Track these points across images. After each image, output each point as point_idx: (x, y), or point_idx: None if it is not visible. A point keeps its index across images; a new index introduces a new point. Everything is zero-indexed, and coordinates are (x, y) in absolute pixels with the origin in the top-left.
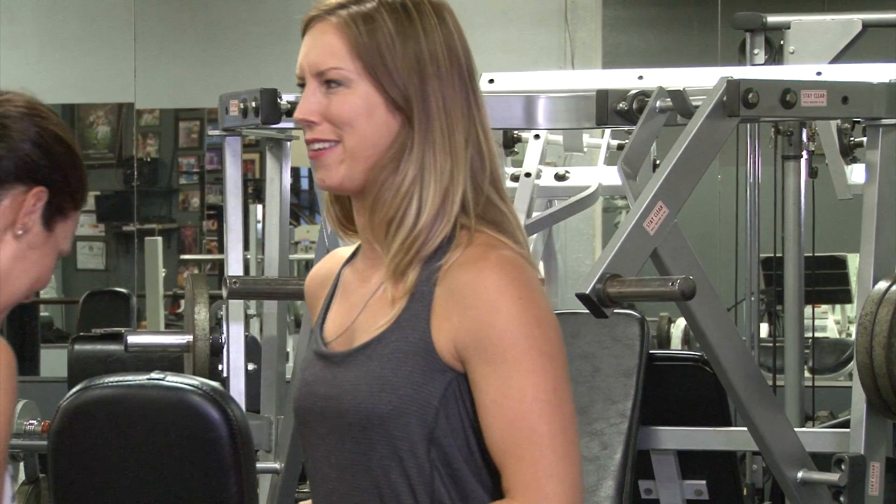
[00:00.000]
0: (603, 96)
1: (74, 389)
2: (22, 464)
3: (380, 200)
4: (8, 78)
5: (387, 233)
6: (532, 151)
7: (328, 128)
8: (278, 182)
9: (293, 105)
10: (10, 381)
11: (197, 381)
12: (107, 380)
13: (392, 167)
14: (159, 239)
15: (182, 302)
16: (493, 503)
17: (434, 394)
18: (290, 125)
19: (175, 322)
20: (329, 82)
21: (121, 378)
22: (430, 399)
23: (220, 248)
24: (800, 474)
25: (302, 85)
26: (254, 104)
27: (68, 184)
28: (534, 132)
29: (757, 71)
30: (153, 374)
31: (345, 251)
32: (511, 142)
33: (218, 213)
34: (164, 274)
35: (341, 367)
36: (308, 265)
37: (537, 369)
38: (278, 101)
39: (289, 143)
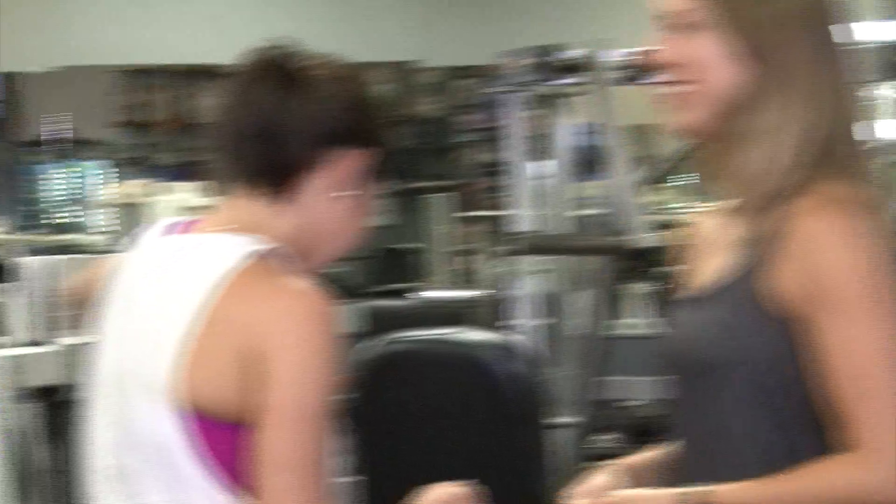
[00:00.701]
0: None
1: (371, 344)
2: None
3: (736, 145)
4: (288, 35)
5: (742, 178)
6: None
7: (684, 70)
8: (559, 138)
9: (573, 61)
10: (331, 332)
11: (489, 335)
12: (401, 335)
13: (748, 113)
14: (442, 196)
15: (468, 258)
16: (837, 456)
17: (770, 342)
18: (571, 81)
19: (460, 278)
20: (685, 26)
21: (416, 333)
22: (766, 347)
23: (503, 205)
24: None
25: (656, 29)
26: (534, 61)
27: (381, 148)
28: None
29: None
30: (447, 330)
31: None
32: None
33: (499, 170)
34: (449, 230)
35: (691, 312)
36: (590, 222)
37: (879, 320)
38: (559, 57)
39: (571, 98)
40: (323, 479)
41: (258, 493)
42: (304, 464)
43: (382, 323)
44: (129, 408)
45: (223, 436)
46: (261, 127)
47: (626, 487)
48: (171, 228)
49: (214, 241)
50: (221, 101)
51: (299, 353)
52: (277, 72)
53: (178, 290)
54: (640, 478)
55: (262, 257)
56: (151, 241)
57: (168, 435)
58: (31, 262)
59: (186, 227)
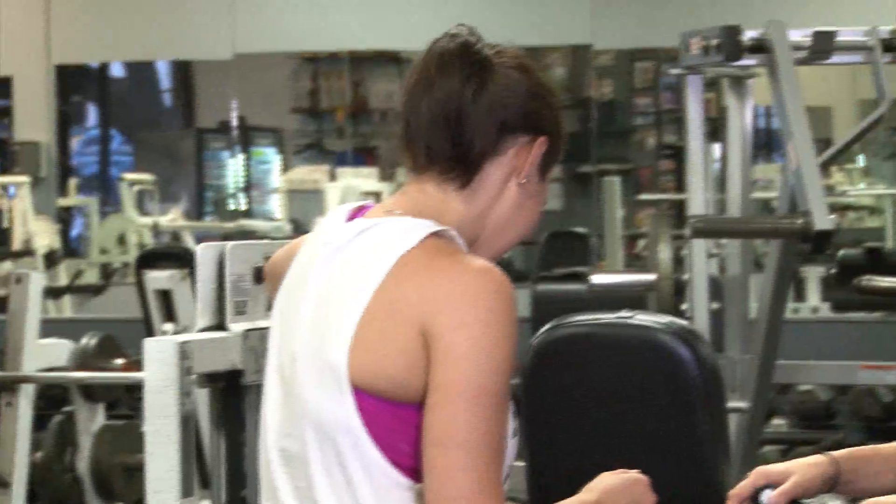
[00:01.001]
0: None
1: (544, 328)
2: None
3: None
4: (458, 20)
5: None
6: None
7: None
8: (740, 120)
9: (755, 41)
10: (510, 313)
11: (666, 319)
12: (576, 319)
13: None
14: (617, 179)
15: (640, 242)
16: None
17: None
18: (753, 62)
19: (633, 262)
20: None
21: (590, 317)
22: None
23: (678, 188)
24: None
25: None
26: (715, 42)
27: (560, 135)
28: None
29: None
30: (622, 313)
31: None
32: None
33: (674, 152)
34: (621, 214)
35: None
36: (767, 205)
37: None
38: (740, 37)
39: (750, 80)
40: (495, 460)
41: (424, 473)
42: (471, 442)
43: (555, 307)
44: (299, 391)
45: (393, 417)
46: (447, 114)
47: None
48: (351, 213)
49: (391, 225)
50: (405, 88)
51: (469, 331)
52: (462, 60)
53: (354, 273)
54: (856, 472)
55: (436, 238)
56: (330, 226)
57: (338, 417)
58: (204, 248)
59: (365, 212)
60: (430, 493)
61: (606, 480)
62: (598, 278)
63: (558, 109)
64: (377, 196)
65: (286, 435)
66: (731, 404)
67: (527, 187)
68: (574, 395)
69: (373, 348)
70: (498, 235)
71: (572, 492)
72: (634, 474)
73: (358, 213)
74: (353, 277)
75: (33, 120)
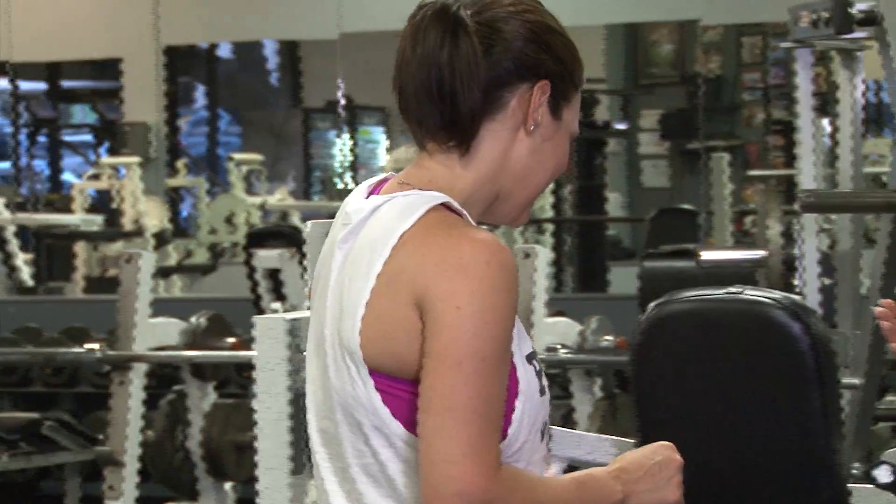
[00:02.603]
0: None
1: (654, 304)
2: (597, 379)
3: None
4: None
5: None
6: None
7: None
8: (850, 94)
9: (866, 14)
10: (502, 282)
11: (777, 294)
12: (686, 294)
13: None
14: (725, 155)
15: (748, 218)
16: None
17: None
18: (863, 35)
19: (741, 238)
20: None
21: (700, 292)
22: None
23: (786, 164)
24: None
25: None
26: (825, 14)
27: (568, 70)
28: None
29: None
30: (732, 288)
31: None
32: None
33: (783, 127)
34: (730, 190)
35: None
36: (877, 179)
37: None
38: (851, 10)
39: (861, 53)
40: (484, 424)
41: (417, 439)
42: (457, 407)
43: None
44: (327, 370)
45: (410, 394)
46: (428, 84)
47: None
48: (371, 188)
49: (398, 202)
50: (395, 61)
51: (457, 300)
52: (435, 25)
53: (363, 254)
54: None
55: (438, 212)
56: (351, 204)
57: (360, 398)
58: (313, 227)
59: (384, 186)
60: (421, 458)
61: (630, 454)
62: (707, 254)
63: (561, 46)
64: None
65: (324, 417)
66: (843, 380)
67: (540, 132)
68: (684, 370)
69: (379, 328)
70: (521, 186)
71: (685, 461)
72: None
73: (378, 187)
74: (362, 259)
75: (142, 101)
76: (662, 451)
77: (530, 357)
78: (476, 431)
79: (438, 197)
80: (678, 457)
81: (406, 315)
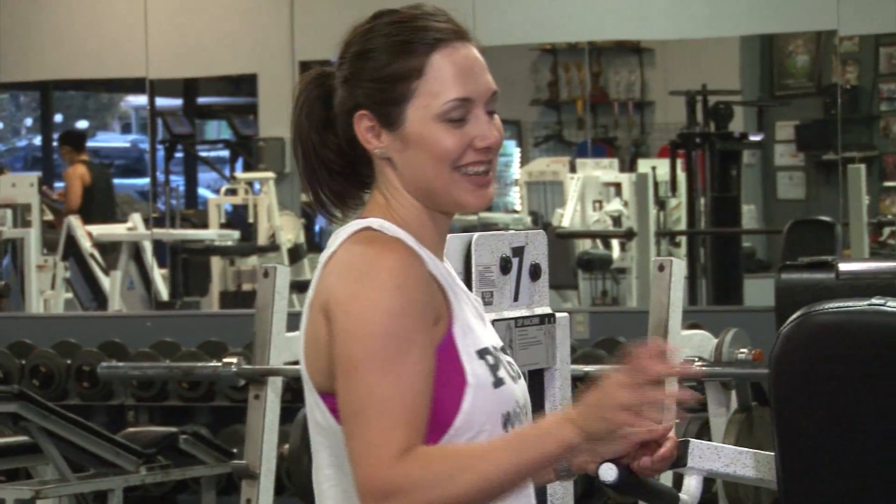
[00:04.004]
0: None
1: (794, 316)
2: (734, 392)
3: None
4: (703, 9)
5: None
6: None
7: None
8: None
9: None
10: (384, 279)
11: None
12: (827, 306)
13: None
14: (862, 166)
15: (886, 230)
16: None
17: None
18: None
19: (879, 250)
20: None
21: (841, 304)
22: None
23: None
24: None
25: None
26: None
27: (386, 81)
28: None
29: None
30: (874, 300)
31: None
32: None
33: None
34: (867, 202)
35: None
36: None
37: None
38: None
39: None
40: (386, 423)
41: None
42: (356, 411)
43: (800, 296)
44: None
45: None
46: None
47: None
48: None
49: (338, 231)
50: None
51: (345, 306)
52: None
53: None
54: None
55: (360, 233)
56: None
57: (319, 421)
58: (450, 240)
59: None
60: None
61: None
62: (845, 266)
63: (374, 67)
64: (618, 188)
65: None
66: None
67: (393, 148)
68: (824, 383)
69: (313, 351)
70: (426, 184)
71: (822, 477)
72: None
73: None
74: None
75: (278, 116)
76: (613, 378)
77: (482, 352)
78: (377, 429)
79: (364, 222)
80: (623, 376)
81: (323, 335)
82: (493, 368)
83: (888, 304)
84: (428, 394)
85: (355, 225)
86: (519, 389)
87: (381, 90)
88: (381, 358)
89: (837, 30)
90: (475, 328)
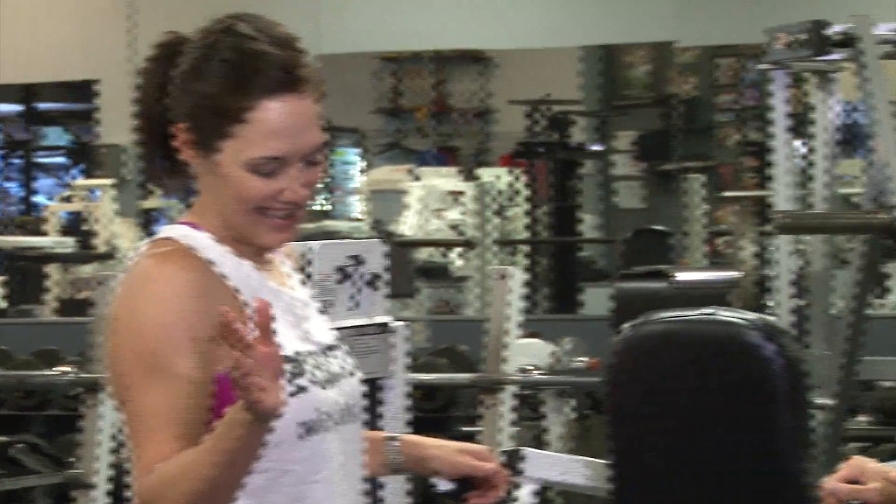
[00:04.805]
0: None
1: (629, 325)
2: (570, 401)
3: None
4: (544, 19)
5: None
6: None
7: None
8: (825, 115)
9: (841, 36)
10: (151, 300)
11: (751, 315)
12: (660, 315)
13: None
14: (699, 176)
15: (722, 239)
16: None
17: None
18: (838, 56)
19: (714, 259)
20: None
21: (674, 313)
22: None
23: (760, 185)
24: None
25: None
26: (801, 36)
27: (213, 108)
28: None
29: None
30: (706, 310)
31: None
32: None
33: (757, 149)
34: (703, 211)
35: None
36: (849, 200)
37: None
38: (826, 32)
39: (836, 75)
40: (145, 436)
41: None
42: (131, 425)
43: (637, 305)
44: None
45: None
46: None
47: None
48: None
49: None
50: None
51: (115, 321)
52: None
53: None
54: None
55: (155, 246)
56: None
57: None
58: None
59: None
60: None
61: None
62: (681, 275)
63: (202, 90)
64: (459, 197)
65: None
66: (815, 401)
67: (204, 169)
68: (657, 391)
69: (107, 368)
70: (227, 218)
71: (656, 485)
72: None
73: None
74: None
75: (118, 123)
76: None
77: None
78: (143, 443)
79: (165, 230)
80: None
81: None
82: (293, 376)
83: (720, 313)
84: (199, 405)
85: (158, 234)
86: (333, 394)
87: (204, 117)
88: (148, 373)
89: (676, 41)
90: (280, 335)
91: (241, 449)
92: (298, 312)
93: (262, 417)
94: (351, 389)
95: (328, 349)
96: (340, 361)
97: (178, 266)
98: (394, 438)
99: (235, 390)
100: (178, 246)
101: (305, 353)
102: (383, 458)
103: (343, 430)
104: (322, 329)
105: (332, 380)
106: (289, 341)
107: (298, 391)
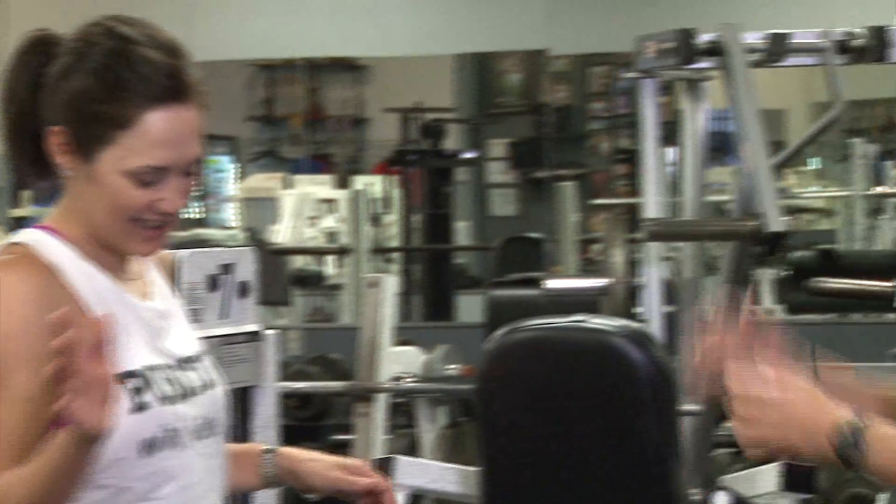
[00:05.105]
0: None
1: (499, 333)
2: (443, 408)
3: None
4: (417, 27)
5: None
6: None
7: None
8: (694, 123)
9: (709, 44)
10: (5, 303)
11: (619, 322)
12: (531, 323)
13: None
14: (571, 184)
15: (594, 247)
16: None
17: None
18: (707, 65)
19: (587, 266)
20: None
21: (544, 321)
22: None
23: (631, 193)
24: None
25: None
26: (670, 45)
27: (92, 112)
28: None
29: None
30: (576, 317)
31: None
32: None
33: (629, 157)
34: (576, 219)
35: None
36: (721, 207)
37: None
38: (695, 40)
39: (705, 83)
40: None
41: None
42: None
43: (509, 313)
44: None
45: None
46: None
47: None
48: None
49: None
50: None
51: None
52: None
53: None
54: None
55: (5, 250)
56: None
57: None
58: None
59: None
60: None
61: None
62: (552, 283)
63: (79, 90)
64: (333, 204)
65: None
66: (685, 407)
67: (79, 175)
68: (528, 398)
69: None
70: (96, 226)
71: (526, 491)
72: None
73: None
74: None
75: None
76: None
77: (125, 376)
78: None
79: (18, 236)
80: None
81: None
82: (136, 392)
83: (589, 320)
84: (36, 421)
85: (10, 239)
86: (185, 409)
87: (84, 121)
88: None
89: (548, 49)
90: (128, 349)
91: (65, 468)
92: (155, 325)
93: (86, 439)
94: (211, 402)
95: (186, 361)
96: (200, 374)
97: (22, 276)
98: (269, 451)
99: (58, 408)
100: (25, 253)
101: (153, 368)
102: (258, 471)
103: (200, 445)
104: (183, 340)
105: (186, 394)
106: (137, 356)
107: (141, 408)
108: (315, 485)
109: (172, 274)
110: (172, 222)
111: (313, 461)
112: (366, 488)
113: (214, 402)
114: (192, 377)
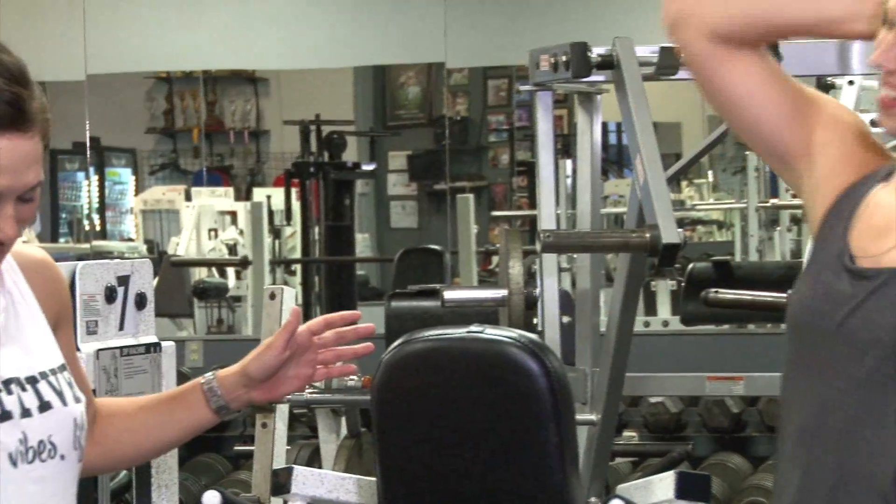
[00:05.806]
0: None
1: (395, 344)
2: (343, 418)
3: None
4: (316, 40)
5: None
6: (846, 98)
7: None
8: (589, 136)
9: (603, 58)
10: None
11: (516, 333)
12: (427, 333)
13: None
14: (470, 196)
15: (494, 258)
16: None
17: None
18: (601, 78)
19: (487, 278)
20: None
21: (441, 332)
22: None
23: (531, 204)
24: None
25: None
26: (564, 58)
27: None
28: (847, 78)
29: None
30: (472, 328)
31: None
32: (825, 89)
33: (528, 169)
34: (475, 230)
35: (870, 286)
36: (618, 219)
37: None
38: (588, 54)
39: (599, 96)
40: None
41: None
42: None
43: (409, 324)
44: None
45: None
46: None
47: None
48: None
49: None
50: None
51: None
52: None
53: None
54: None
55: None
56: None
57: None
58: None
59: None
60: None
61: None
62: (450, 294)
63: None
64: (234, 216)
65: None
66: (582, 416)
67: None
68: (423, 409)
69: None
70: None
71: (425, 498)
72: None
73: None
74: None
75: None
76: None
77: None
78: None
79: None
80: None
81: None
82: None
83: (486, 331)
84: None
85: None
86: (36, 423)
87: None
88: None
89: (445, 62)
90: None
91: None
92: (31, 334)
93: None
94: (43, 425)
95: (10, 383)
96: (31, 396)
97: None
98: (209, 380)
99: None
100: None
101: (7, 381)
102: (208, 404)
103: (28, 470)
104: (13, 361)
105: (42, 406)
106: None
107: (6, 417)
108: (257, 370)
109: (56, 286)
110: (5, 249)
111: (246, 362)
112: (284, 337)
113: (49, 424)
114: (12, 400)
